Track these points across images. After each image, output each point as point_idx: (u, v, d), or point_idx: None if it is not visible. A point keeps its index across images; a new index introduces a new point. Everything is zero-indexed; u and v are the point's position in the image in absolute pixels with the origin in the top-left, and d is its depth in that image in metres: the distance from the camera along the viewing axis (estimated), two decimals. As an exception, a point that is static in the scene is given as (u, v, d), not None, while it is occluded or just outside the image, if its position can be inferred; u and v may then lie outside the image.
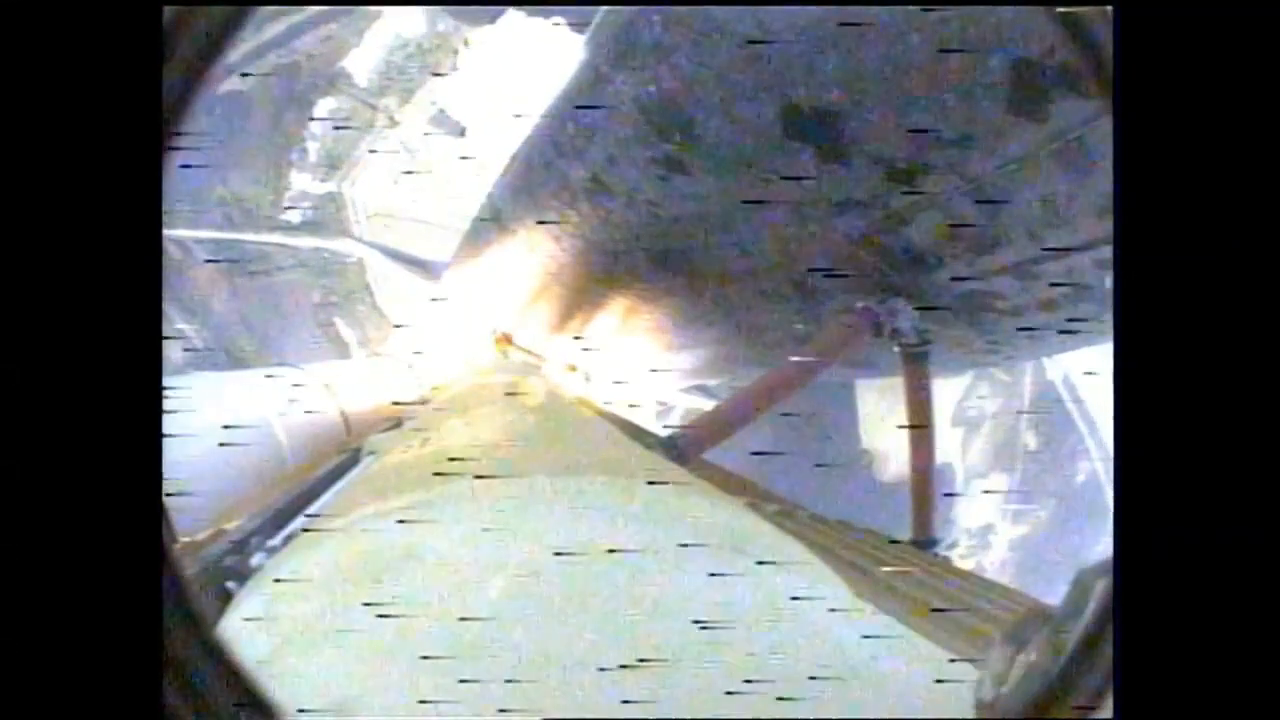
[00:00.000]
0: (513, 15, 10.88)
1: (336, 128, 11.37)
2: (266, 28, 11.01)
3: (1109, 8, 0.67)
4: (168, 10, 0.59)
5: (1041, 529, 16.58)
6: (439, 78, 11.43)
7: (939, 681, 0.94)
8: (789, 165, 3.90)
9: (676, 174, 4.48)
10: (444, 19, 11.45)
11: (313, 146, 11.68)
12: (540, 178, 5.98)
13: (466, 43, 11.47)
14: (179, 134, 0.61)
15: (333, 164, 11.72)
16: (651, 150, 4.45)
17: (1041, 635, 0.69)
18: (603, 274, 6.41)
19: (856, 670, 0.93)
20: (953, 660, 1.11)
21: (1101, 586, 0.67)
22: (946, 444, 14.52)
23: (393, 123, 11.68)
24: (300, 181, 11.73)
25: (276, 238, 11.88)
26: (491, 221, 7.67)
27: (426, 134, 11.55)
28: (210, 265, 11.55)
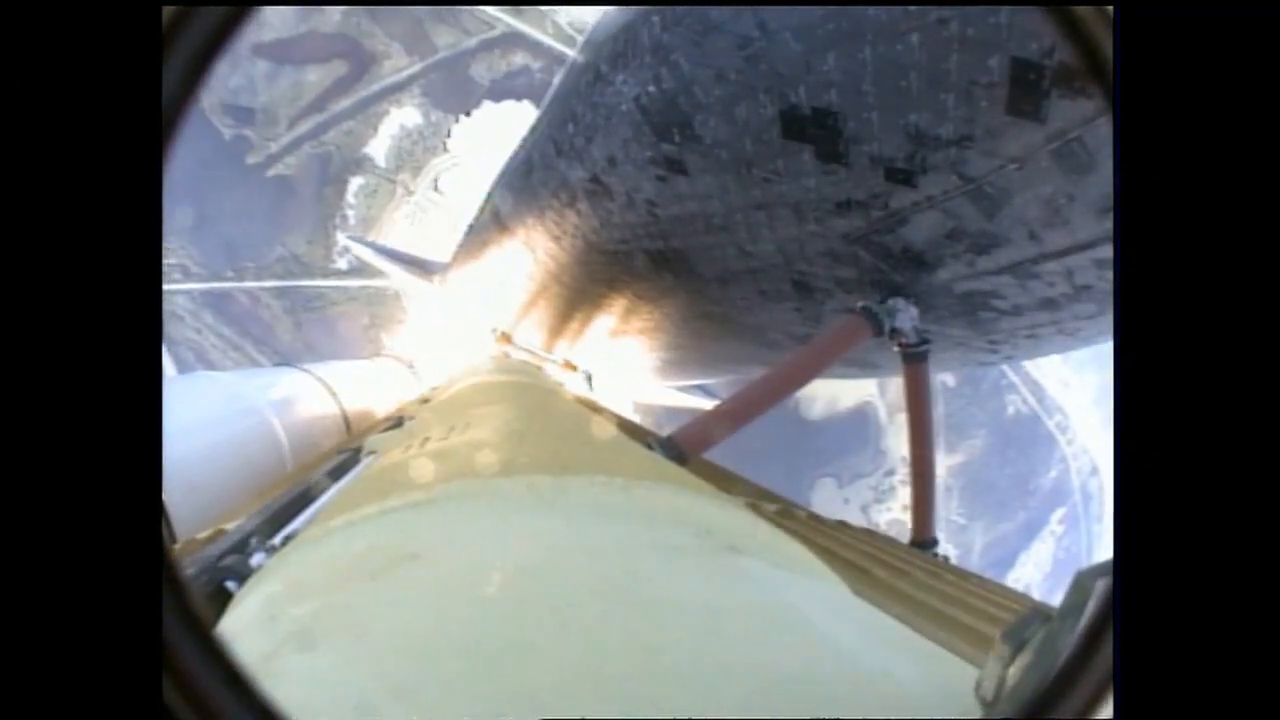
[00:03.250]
0: (487, 105, 14.71)
1: (367, 198, 15.22)
2: (299, 125, 14.74)
3: (1109, 8, 0.67)
4: (168, 10, 0.59)
5: (979, 456, 16.85)
6: (435, 157, 15.07)
7: (939, 681, 0.94)
8: (789, 165, 3.89)
9: (677, 174, 4.48)
10: (435, 111, 15.07)
11: (351, 213, 15.36)
12: (540, 178, 5.98)
13: (449, 132, 14.93)
14: (179, 134, 0.61)
15: (368, 223, 15.33)
16: (651, 150, 4.45)
17: (1041, 635, 0.69)
18: (603, 274, 6.41)
19: (856, 670, 0.93)
20: (952, 660, 1.11)
21: (1101, 586, 0.67)
22: (865, 385, 15.40)
23: (409, 191, 15.27)
24: (344, 239, 15.32)
25: (329, 281, 15.38)
26: (492, 222, 7.67)
27: (432, 200, 15.16)
28: (276, 306, 14.96)
